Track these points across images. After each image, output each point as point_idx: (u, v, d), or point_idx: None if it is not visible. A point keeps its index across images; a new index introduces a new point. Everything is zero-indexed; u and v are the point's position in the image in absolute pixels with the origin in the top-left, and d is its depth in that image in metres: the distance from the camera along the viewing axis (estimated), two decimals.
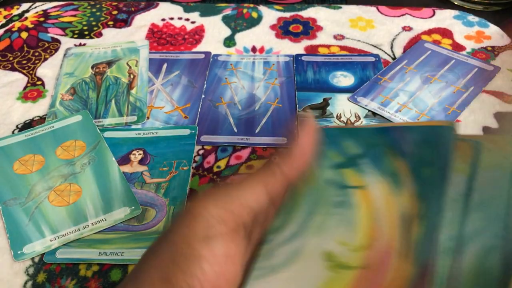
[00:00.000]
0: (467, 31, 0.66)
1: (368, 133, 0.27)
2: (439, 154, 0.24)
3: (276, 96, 0.56)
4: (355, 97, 0.55)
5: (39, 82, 0.59)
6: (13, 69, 0.62)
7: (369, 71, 0.59)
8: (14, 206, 0.43)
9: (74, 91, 0.57)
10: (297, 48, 0.64)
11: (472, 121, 0.52)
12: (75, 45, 0.65)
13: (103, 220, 0.42)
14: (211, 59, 0.62)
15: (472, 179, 0.23)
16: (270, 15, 0.71)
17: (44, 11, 0.73)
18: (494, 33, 0.66)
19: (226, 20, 0.70)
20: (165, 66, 0.61)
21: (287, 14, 0.72)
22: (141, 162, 0.48)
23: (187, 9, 0.73)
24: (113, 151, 0.49)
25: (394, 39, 0.65)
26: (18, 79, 0.60)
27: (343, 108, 0.54)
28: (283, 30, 0.68)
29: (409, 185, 0.23)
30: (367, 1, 0.76)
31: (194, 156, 0.49)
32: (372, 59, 0.61)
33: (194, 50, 0.64)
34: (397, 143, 0.25)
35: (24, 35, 0.68)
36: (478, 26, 0.67)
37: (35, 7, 0.74)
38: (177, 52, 0.64)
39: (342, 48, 0.64)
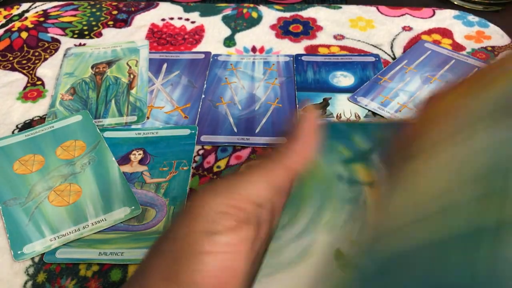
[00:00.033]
0: (467, 31, 0.66)
1: (376, 128, 0.27)
2: None
3: (276, 96, 0.56)
4: (355, 97, 0.55)
5: (39, 82, 0.59)
6: (13, 69, 0.62)
7: (369, 71, 0.59)
8: (14, 206, 0.43)
9: (74, 91, 0.57)
10: (297, 48, 0.64)
11: None
12: (75, 45, 0.65)
13: (103, 220, 0.42)
14: (211, 59, 0.62)
15: None
16: (270, 15, 0.71)
17: (44, 11, 0.73)
18: (494, 33, 0.66)
19: (226, 20, 0.70)
20: (165, 66, 0.61)
21: (287, 14, 0.72)
22: (141, 162, 0.48)
23: (187, 9, 0.73)
24: (113, 151, 0.49)
25: (394, 39, 0.65)
26: (18, 79, 0.60)
27: (343, 108, 0.54)
28: (283, 30, 0.68)
29: None
30: (367, 1, 0.76)
31: (194, 156, 0.49)
32: (372, 59, 0.61)
33: (194, 50, 0.64)
34: None
35: (24, 35, 0.68)
36: (478, 26, 0.67)
37: (35, 7, 0.74)
38: (177, 52, 0.64)
39: (342, 48, 0.64)
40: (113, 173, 0.46)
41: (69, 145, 0.49)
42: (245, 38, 0.66)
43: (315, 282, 0.21)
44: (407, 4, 0.73)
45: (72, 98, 0.56)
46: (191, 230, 0.20)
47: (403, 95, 0.55)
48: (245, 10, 0.72)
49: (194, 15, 0.72)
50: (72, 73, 0.60)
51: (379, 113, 0.53)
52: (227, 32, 0.68)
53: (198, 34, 0.68)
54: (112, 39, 0.67)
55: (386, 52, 0.63)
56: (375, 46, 0.64)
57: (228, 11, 0.72)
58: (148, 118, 0.53)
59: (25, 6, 0.74)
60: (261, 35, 0.67)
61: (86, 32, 0.68)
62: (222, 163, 0.48)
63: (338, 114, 0.53)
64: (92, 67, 0.61)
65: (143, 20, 0.71)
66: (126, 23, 0.70)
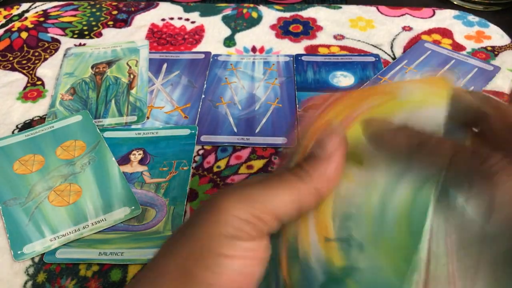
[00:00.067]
0: (467, 31, 0.66)
1: None
2: None
3: (276, 96, 0.56)
4: None
5: (39, 82, 0.59)
6: (13, 69, 0.62)
7: (369, 71, 0.59)
8: (14, 206, 0.43)
9: (74, 91, 0.57)
10: (297, 48, 0.64)
11: None
12: (75, 45, 0.65)
13: (103, 220, 0.42)
14: (211, 59, 0.62)
15: None
16: (270, 15, 0.71)
17: (44, 11, 0.73)
18: (494, 33, 0.66)
19: (226, 20, 0.70)
20: (165, 66, 0.61)
21: (287, 14, 0.72)
22: (141, 162, 0.48)
23: (187, 9, 0.73)
24: (113, 151, 0.49)
25: (394, 39, 0.65)
26: (18, 79, 0.60)
27: None
28: (283, 30, 0.68)
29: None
30: (367, 1, 0.76)
31: (194, 156, 0.49)
32: (372, 59, 0.61)
33: (194, 50, 0.64)
34: None
35: (24, 35, 0.68)
36: (478, 26, 0.67)
37: (35, 7, 0.74)
38: (177, 52, 0.64)
39: (342, 48, 0.64)
40: (113, 173, 0.46)
41: (69, 145, 0.49)
42: (245, 38, 0.66)
43: None
44: (407, 4, 0.73)
45: (72, 98, 0.56)
46: (213, 233, 0.20)
47: None
48: (245, 10, 0.72)
49: (194, 15, 0.72)
50: (72, 73, 0.60)
51: None
52: (227, 32, 0.68)
53: (198, 34, 0.68)
54: (112, 39, 0.67)
55: (386, 52, 0.63)
56: (375, 46, 0.64)
57: (228, 11, 0.72)
58: (148, 118, 0.53)
59: (25, 6, 0.74)
60: (261, 35, 0.67)
61: (86, 32, 0.68)
62: (222, 163, 0.48)
63: None
64: (92, 67, 0.61)
65: (143, 20, 0.71)
66: (126, 23, 0.70)
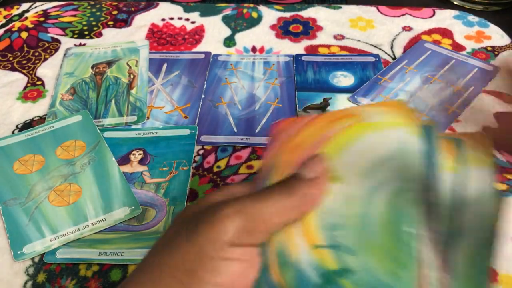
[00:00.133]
0: (467, 31, 0.66)
1: None
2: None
3: (276, 96, 0.56)
4: (355, 97, 0.55)
5: (39, 82, 0.59)
6: (13, 69, 0.62)
7: (369, 71, 0.59)
8: (14, 206, 0.43)
9: (74, 91, 0.57)
10: (297, 48, 0.64)
11: (472, 121, 0.52)
12: (75, 45, 0.65)
13: (103, 220, 0.42)
14: (211, 59, 0.62)
15: (459, 176, 0.24)
16: (270, 15, 0.71)
17: (44, 11, 0.73)
18: (494, 33, 0.66)
19: (226, 20, 0.70)
20: (165, 66, 0.61)
21: (287, 14, 0.72)
22: (141, 162, 0.48)
23: (187, 9, 0.73)
24: (113, 151, 0.49)
25: (394, 39, 0.65)
26: (18, 79, 0.60)
27: (343, 108, 0.54)
28: (283, 30, 0.68)
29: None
30: (367, 1, 0.76)
31: (194, 156, 0.49)
32: (372, 59, 0.61)
33: (194, 50, 0.64)
34: None
35: (24, 35, 0.68)
36: (478, 26, 0.67)
37: (35, 7, 0.74)
38: (177, 52, 0.64)
39: (342, 48, 0.64)
40: (113, 173, 0.46)
41: (69, 145, 0.49)
42: (245, 38, 0.66)
43: None
44: (407, 4, 0.73)
45: (72, 98, 0.56)
46: (213, 238, 0.22)
47: (403, 95, 0.55)
48: (245, 10, 0.72)
49: (194, 15, 0.72)
50: (72, 73, 0.60)
51: None
52: (227, 32, 0.68)
53: (198, 34, 0.68)
54: (112, 39, 0.67)
55: (386, 52, 0.63)
56: (375, 46, 0.64)
57: (228, 11, 0.72)
58: (148, 118, 0.53)
59: (25, 6, 0.74)
60: (261, 35, 0.67)
61: (86, 32, 0.68)
62: (222, 163, 0.48)
63: None
64: (92, 67, 0.61)
65: (143, 20, 0.71)
66: (126, 23, 0.70)
